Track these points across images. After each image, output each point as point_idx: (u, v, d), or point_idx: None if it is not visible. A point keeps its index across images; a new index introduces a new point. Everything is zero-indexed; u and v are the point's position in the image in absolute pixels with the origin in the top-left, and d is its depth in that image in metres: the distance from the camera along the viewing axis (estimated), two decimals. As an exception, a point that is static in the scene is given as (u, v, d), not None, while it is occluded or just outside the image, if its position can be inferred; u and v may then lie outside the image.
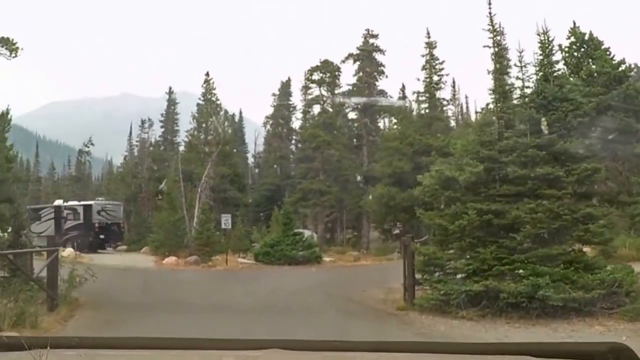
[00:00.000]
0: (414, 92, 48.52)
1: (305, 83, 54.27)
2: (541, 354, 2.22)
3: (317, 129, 50.67)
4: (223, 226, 34.24)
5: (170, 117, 67.28)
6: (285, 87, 67.12)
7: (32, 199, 62.40)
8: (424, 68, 48.53)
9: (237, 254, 37.02)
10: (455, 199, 14.48)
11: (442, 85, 48.94)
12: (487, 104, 15.59)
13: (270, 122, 68.01)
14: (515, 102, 16.16)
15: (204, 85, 57.23)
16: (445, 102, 49.48)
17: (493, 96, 15.46)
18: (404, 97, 46.78)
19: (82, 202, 48.31)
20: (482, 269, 13.64)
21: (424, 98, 47.23)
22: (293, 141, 67.44)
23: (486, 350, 2.51)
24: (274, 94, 67.46)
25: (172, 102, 68.27)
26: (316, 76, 53.91)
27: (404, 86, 47.24)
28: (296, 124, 65.43)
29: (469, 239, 14.11)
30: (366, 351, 2.54)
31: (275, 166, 65.13)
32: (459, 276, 14.53)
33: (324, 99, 53.97)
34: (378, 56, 55.37)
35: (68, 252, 38.84)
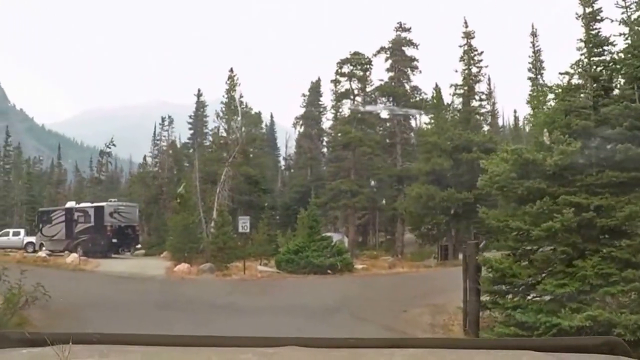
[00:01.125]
0: (450, 85, 44.39)
1: (335, 77, 50.18)
2: (541, 349, 2.30)
3: (348, 125, 46.67)
4: (240, 230, 30.30)
5: (199, 119, 64.10)
6: (315, 88, 64.33)
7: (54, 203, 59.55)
8: (461, 59, 44.47)
9: (260, 260, 33.19)
10: (538, 192, 10.15)
11: (481, 78, 44.83)
12: (577, 61, 11.15)
13: (301, 122, 64.75)
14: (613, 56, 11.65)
15: (228, 82, 53.99)
16: (484, 96, 45.26)
17: (584, 49, 11.15)
18: (438, 94, 42.16)
19: (93, 204, 44.86)
20: (582, 291, 9.42)
21: (461, 91, 43.03)
22: (324, 142, 64.65)
23: (491, 345, 2.63)
24: (303, 95, 64.92)
25: (200, 105, 65.05)
26: (346, 69, 49.86)
27: (437, 86, 42.72)
28: (327, 124, 62.98)
29: (562, 247, 9.85)
30: (380, 348, 2.61)
31: (305, 168, 62.25)
32: (545, 298, 10.23)
33: (355, 93, 49.97)
34: (411, 51, 51.59)
35: (72, 257, 35.47)
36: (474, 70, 43.66)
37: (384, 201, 49.80)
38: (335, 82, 49.76)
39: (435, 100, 40.61)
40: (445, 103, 41.79)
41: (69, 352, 2.03)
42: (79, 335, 2.40)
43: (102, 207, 43.29)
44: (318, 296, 20.03)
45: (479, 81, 43.30)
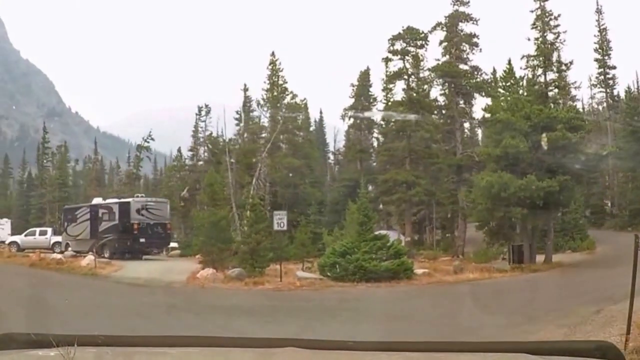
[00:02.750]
0: (522, 56, 38.51)
1: (387, 55, 44.63)
2: (537, 352, 2.39)
3: (402, 107, 41.14)
4: (276, 227, 24.98)
5: (245, 113, 59.48)
6: (364, 77, 59.11)
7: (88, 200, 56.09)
8: (533, 26, 38.61)
9: (302, 263, 28.09)
10: None
11: (559, 45, 38.86)
12: None
13: (349, 114, 59.60)
14: None
15: (270, 67, 49.13)
16: (565, 66, 39.20)
17: None
18: (510, 67, 36.21)
19: (119, 199, 40.43)
20: None
21: (536, 62, 37.17)
22: (374, 133, 59.73)
23: (486, 348, 2.69)
24: (352, 85, 59.59)
25: (248, 99, 60.37)
26: (399, 46, 44.34)
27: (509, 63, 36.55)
28: (377, 116, 57.38)
29: None
30: (378, 350, 2.69)
31: (355, 161, 57.98)
32: None
33: (409, 73, 44.35)
34: (470, 27, 45.78)
35: (87, 260, 31.01)
36: (550, 37, 37.85)
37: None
38: (387, 60, 44.23)
39: (506, 73, 34.68)
40: (518, 76, 35.80)
41: (74, 354, 2.08)
42: (85, 337, 2.43)
43: (128, 203, 38.76)
44: (371, 318, 13.98)
45: (556, 49, 37.36)
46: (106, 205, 39.89)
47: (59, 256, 33.63)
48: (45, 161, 65.90)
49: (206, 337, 2.71)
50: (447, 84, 45.42)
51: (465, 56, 46.06)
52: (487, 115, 34.84)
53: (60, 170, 61.94)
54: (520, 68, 38.12)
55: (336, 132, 66.42)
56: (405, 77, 43.76)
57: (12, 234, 49.84)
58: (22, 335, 2.54)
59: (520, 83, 35.41)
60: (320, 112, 71.05)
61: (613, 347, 2.33)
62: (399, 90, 45.26)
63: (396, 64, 44.60)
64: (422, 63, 45.37)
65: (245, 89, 59.90)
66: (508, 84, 35.12)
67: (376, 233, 26.13)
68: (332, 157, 68.43)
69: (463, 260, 36.21)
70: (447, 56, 45.36)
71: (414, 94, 42.02)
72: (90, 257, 31.25)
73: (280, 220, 24.67)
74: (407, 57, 43.88)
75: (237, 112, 59.17)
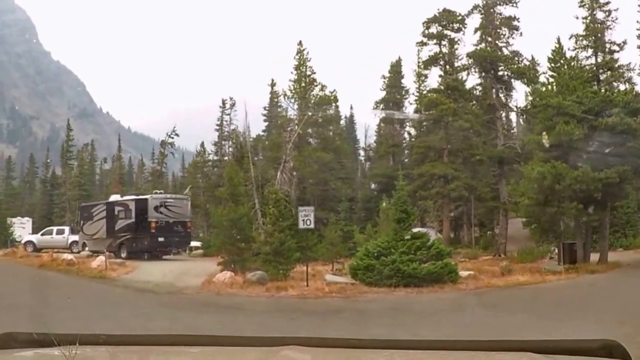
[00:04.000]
0: (570, 36, 35.13)
1: (422, 39, 41.41)
2: (541, 350, 2.37)
3: (439, 94, 37.97)
4: (301, 225, 21.92)
5: (273, 108, 56.85)
6: (396, 68, 56.33)
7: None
8: (581, 4, 35.25)
9: (332, 264, 25.18)
10: None
11: (611, 24, 35.43)
12: None
13: (381, 107, 56.65)
14: None
15: (297, 57, 46.33)
16: (617, 46, 35.72)
17: None
18: (559, 47, 32.85)
19: (135, 196, 37.92)
20: None
21: (586, 43, 33.78)
22: (406, 127, 57.28)
23: (490, 346, 2.62)
24: (383, 77, 56.77)
25: (275, 95, 57.71)
26: (434, 29, 41.12)
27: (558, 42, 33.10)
28: (410, 109, 55.26)
29: None
30: (380, 348, 2.65)
31: (387, 155, 55.15)
32: None
33: (445, 58, 41.10)
34: (509, 9, 42.18)
35: (98, 261, 28.53)
36: (600, 15, 34.44)
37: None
38: (422, 44, 41.03)
39: (554, 53, 31.36)
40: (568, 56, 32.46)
41: (76, 353, 2.06)
42: (86, 336, 2.42)
43: (145, 200, 36.21)
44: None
45: (607, 28, 33.95)
46: (122, 203, 37.44)
47: (70, 257, 31.19)
48: (69, 160, 64.25)
49: (207, 336, 2.70)
50: (485, 70, 42.12)
51: (504, 41, 42.70)
52: (535, 100, 31.61)
53: (81, 168, 59.92)
54: (568, 49, 34.88)
55: (367, 127, 64.03)
56: (442, 62, 40.49)
57: (33, 233, 47.91)
58: (23, 334, 2.50)
59: (572, 64, 32.03)
60: (351, 108, 68.73)
61: (619, 346, 2.26)
62: (432, 79, 42.43)
63: (431, 49, 41.50)
64: (459, 48, 42.33)
65: (272, 84, 57.58)
66: (557, 65, 31.83)
67: (414, 231, 23.04)
68: (362, 153, 65.79)
69: (509, 260, 33.15)
70: (485, 42, 42.06)
71: (451, 81, 38.75)
72: (101, 258, 28.76)
73: (306, 216, 21.60)
74: (443, 42, 40.70)
75: (264, 108, 56.90)
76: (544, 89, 30.67)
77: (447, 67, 41.03)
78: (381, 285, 20.60)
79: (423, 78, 42.15)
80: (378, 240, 22.37)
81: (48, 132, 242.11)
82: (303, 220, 21.33)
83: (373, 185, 51.60)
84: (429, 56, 40.70)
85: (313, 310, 16.66)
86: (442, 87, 38.92)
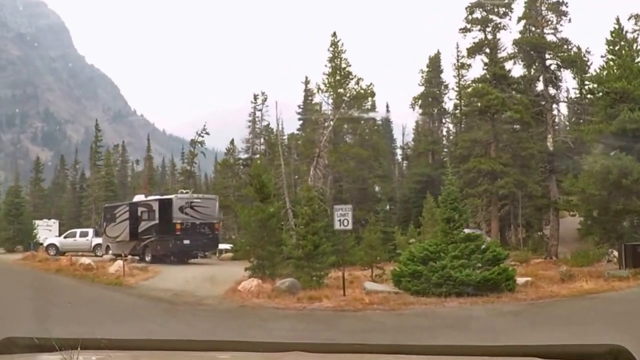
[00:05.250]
0: (630, 16, 32.00)
1: (464, 25, 38.46)
2: (547, 355, 2.36)
3: (485, 84, 35.06)
4: (337, 226, 19.20)
5: (307, 107, 54.55)
6: (435, 62, 54.89)
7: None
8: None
9: (371, 270, 22.52)
10: None
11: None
12: None
13: (419, 102, 54.09)
14: None
15: (331, 49, 43.77)
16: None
17: None
18: (618, 27, 29.68)
19: (159, 196, 35.72)
20: None
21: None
22: (445, 123, 56.68)
23: (496, 352, 2.61)
24: (421, 71, 55.08)
25: (309, 93, 55.43)
26: (478, 14, 38.17)
27: (618, 22, 29.96)
28: (449, 104, 54.02)
29: None
30: (384, 354, 2.63)
31: (426, 153, 54.03)
32: None
33: (491, 45, 38.08)
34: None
35: (116, 266, 26.32)
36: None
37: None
38: (464, 31, 38.02)
39: (614, 35, 28.31)
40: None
41: (77, 357, 2.07)
42: (87, 341, 2.44)
43: (170, 200, 33.93)
44: None
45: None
46: (146, 203, 35.25)
47: (88, 261, 29.06)
48: (97, 161, 62.74)
49: (210, 341, 2.70)
50: (532, 59, 39.04)
51: (552, 27, 39.55)
52: (593, 86, 28.60)
53: (108, 168, 58.17)
54: (626, 32, 31.69)
55: (404, 125, 61.75)
56: (487, 50, 37.49)
57: (60, 235, 46.19)
58: (24, 339, 2.49)
59: (634, 46, 28.90)
60: (387, 107, 65.97)
61: (625, 351, 2.25)
62: (473, 72, 39.47)
63: (475, 36, 38.52)
64: (504, 35, 39.37)
65: (307, 82, 55.24)
66: (617, 47, 28.77)
67: (466, 232, 20.25)
68: (400, 151, 63.44)
69: (561, 263, 30.25)
70: (530, 30, 38.97)
71: (498, 69, 35.75)
72: (119, 263, 26.53)
73: (343, 216, 18.84)
74: (487, 28, 37.73)
75: (299, 107, 54.59)
76: (605, 72, 27.59)
77: (493, 54, 37.99)
78: (429, 295, 17.92)
79: (467, 67, 39.21)
80: (425, 243, 19.62)
81: (82, 136, 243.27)
82: (339, 220, 18.63)
83: (412, 185, 49.06)
84: (473, 43, 37.69)
85: (351, 328, 14.00)
86: (487, 76, 35.91)
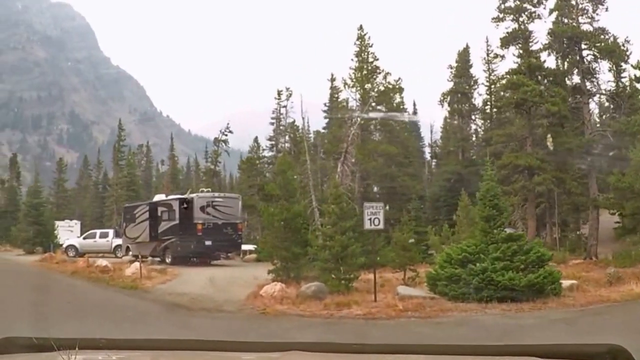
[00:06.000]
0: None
1: (498, 15, 36.63)
2: (546, 355, 2.31)
3: (520, 75, 33.28)
4: (367, 225, 17.60)
5: (333, 105, 53.22)
6: (463, 56, 53.30)
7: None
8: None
9: (403, 273, 20.93)
10: None
11: None
12: None
13: (448, 99, 53.47)
14: None
15: (358, 42, 42.34)
16: None
17: None
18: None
19: (179, 196, 34.47)
20: None
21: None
22: (475, 119, 54.79)
23: (494, 351, 2.61)
24: (450, 67, 53.45)
25: (335, 90, 54.13)
26: (511, 2, 36.39)
27: None
28: (479, 100, 52.72)
29: None
30: (383, 353, 2.64)
31: (456, 150, 52.54)
32: None
33: (525, 34, 36.25)
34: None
35: (133, 269, 25.05)
36: None
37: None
38: (497, 20, 36.20)
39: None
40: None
41: (75, 357, 2.05)
42: (86, 341, 2.41)
43: (191, 199, 32.64)
44: None
45: None
46: (165, 203, 33.98)
47: (105, 263, 27.86)
48: (120, 160, 62.03)
49: (209, 341, 2.65)
50: (567, 49, 37.12)
51: (588, 16, 37.59)
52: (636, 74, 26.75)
53: (129, 168, 57.24)
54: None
55: (432, 122, 61.91)
56: (521, 40, 35.65)
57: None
58: (23, 339, 2.48)
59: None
60: (414, 105, 64.43)
61: (624, 351, 2.23)
62: (504, 66, 37.63)
63: (508, 26, 36.70)
64: (538, 25, 37.65)
65: (332, 79, 53.83)
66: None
67: (509, 231, 18.60)
68: (428, 149, 62.89)
69: (600, 264, 28.55)
70: (561, 21, 37.05)
71: (534, 59, 33.91)
72: (136, 265, 25.26)
73: (374, 215, 17.19)
74: (521, 17, 35.92)
75: (325, 105, 53.22)
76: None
77: (527, 44, 36.15)
78: (468, 300, 16.34)
79: (500, 58, 37.22)
80: (463, 244, 17.98)
81: (108, 137, 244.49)
82: (370, 219, 17.05)
83: (442, 183, 47.49)
84: (507, 33, 35.86)
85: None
86: (522, 68, 34.10)
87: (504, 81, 35.57)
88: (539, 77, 34.15)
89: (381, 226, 17.40)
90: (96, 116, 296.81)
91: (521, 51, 35.85)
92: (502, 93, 37.50)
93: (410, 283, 19.99)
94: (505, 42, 36.15)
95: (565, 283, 19.15)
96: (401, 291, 17.32)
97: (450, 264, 17.24)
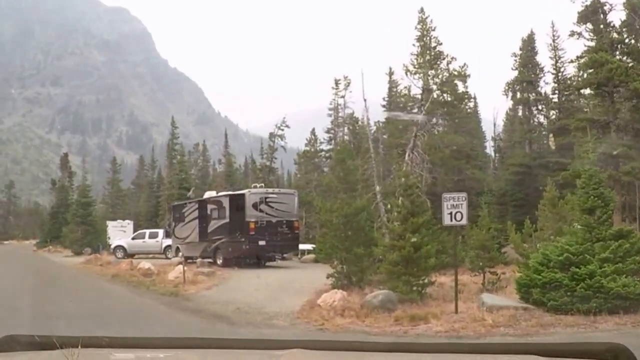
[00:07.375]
0: None
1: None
2: (547, 353, 2.26)
3: (602, 52, 29.71)
4: (447, 221, 14.55)
5: (392, 100, 50.49)
6: (528, 44, 49.93)
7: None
8: None
9: (483, 276, 17.95)
10: None
11: None
12: None
13: (513, 88, 50.84)
14: None
15: (419, 26, 39.41)
16: None
17: None
18: None
19: (230, 192, 32.17)
20: None
21: None
22: (542, 109, 50.58)
23: (496, 349, 2.57)
24: (514, 54, 49.98)
25: (393, 84, 51.55)
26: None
27: None
28: (546, 89, 49.05)
29: None
30: (384, 351, 2.56)
31: (522, 142, 49.13)
32: None
33: (604, 8, 32.66)
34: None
35: (176, 272, 22.78)
36: None
37: None
38: (574, -4, 32.59)
39: None
40: None
41: (78, 356, 2.01)
42: (88, 339, 2.37)
43: (242, 195, 30.18)
44: None
45: None
46: (215, 200, 31.69)
47: (148, 265, 25.79)
48: (173, 159, 60.68)
49: (212, 338, 2.66)
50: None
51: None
52: None
53: (181, 165, 55.57)
54: None
55: (495, 113, 57.63)
56: (601, 13, 32.04)
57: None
58: (25, 337, 2.42)
59: None
60: (474, 98, 61.21)
61: (625, 350, 2.16)
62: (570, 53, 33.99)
63: (584, 1, 33.14)
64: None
65: (391, 73, 50.97)
66: None
67: (619, 227, 15.39)
68: (491, 143, 59.56)
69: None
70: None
71: (615, 34, 30.32)
72: (179, 268, 22.92)
73: (455, 208, 13.88)
74: (602, -11, 32.31)
75: (383, 99, 50.54)
76: None
77: (606, 20, 32.59)
78: (572, 312, 13.28)
79: (577, 35, 33.46)
80: (562, 242, 14.85)
81: (167, 138, 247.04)
82: (450, 213, 14.01)
83: (509, 176, 44.27)
84: (585, 6, 32.28)
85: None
86: (604, 44, 30.53)
87: (583, 60, 31.94)
88: (623, 54, 30.59)
89: (464, 221, 14.37)
90: (155, 118, 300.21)
91: (601, 26, 32.29)
92: (580, 73, 33.92)
93: (490, 288, 17.04)
94: (584, 17, 32.54)
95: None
96: (487, 300, 14.30)
97: (547, 267, 14.17)
